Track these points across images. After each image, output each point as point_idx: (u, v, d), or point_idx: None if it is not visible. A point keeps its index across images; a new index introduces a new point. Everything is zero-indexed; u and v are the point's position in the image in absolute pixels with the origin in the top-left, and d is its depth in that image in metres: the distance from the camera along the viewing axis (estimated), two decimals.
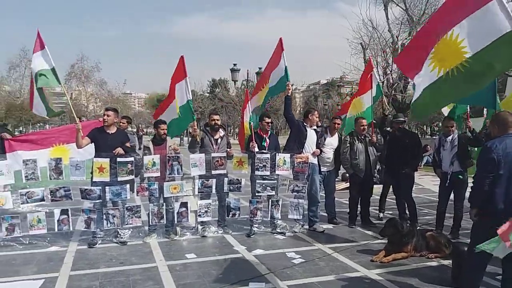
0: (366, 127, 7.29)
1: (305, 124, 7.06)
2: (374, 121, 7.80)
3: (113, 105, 21.62)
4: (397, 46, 14.09)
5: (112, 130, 6.32)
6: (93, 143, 6.22)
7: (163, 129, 6.53)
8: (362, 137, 7.26)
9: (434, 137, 29.42)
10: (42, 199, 6.06)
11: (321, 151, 7.11)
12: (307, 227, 6.95)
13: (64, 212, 6.14)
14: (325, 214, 7.60)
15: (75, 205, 6.59)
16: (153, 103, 64.97)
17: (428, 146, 14.71)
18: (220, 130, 6.93)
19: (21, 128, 49.09)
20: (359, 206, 7.45)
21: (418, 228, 6.46)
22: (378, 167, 7.76)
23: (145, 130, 46.19)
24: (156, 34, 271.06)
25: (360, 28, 19.06)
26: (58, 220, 6.09)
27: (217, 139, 6.83)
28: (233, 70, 23.46)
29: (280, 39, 6.89)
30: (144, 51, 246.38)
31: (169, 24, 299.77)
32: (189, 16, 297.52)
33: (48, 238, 6.11)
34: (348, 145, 7.22)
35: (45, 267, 5.16)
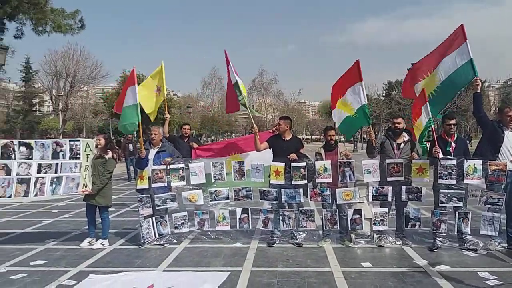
0: None
1: (501, 124, 6.07)
2: None
3: (288, 114, 22.86)
4: None
5: (288, 137, 6.64)
6: (271, 149, 6.64)
7: (330, 135, 6.52)
8: None
9: None
10: (227, 198, 6.71)
11: None
12: (505, 245, 5.92)
13: (244, 211, 6.69)
14: None
15: (255, 205, 7.06)
16: (326, 111, 66.02)
17: None
18: (405, 134, 6.52)
19: (212, 137, 56.16)
20: None
21: None
22: None
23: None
24: (332, 43, 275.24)
25: None
26: (239, 218, 6.68)
27: (400, 143, 6.44)
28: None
29: (461, 26, 6.06)
30: (318, 61, 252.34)
31: (344, 32, 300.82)
32: (365, 22, 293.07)
33: (232, 234, 6.73)
34: None
35: (230, 261, 5.67)
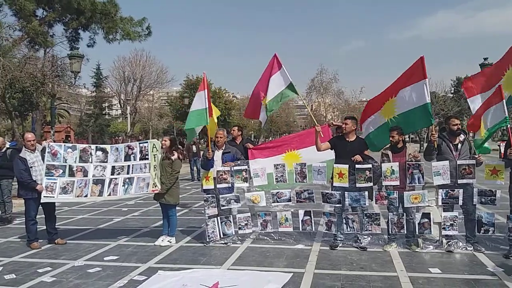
0: None
1: None
2: None
3: (349, 114, 22.49)
4: None
5: (352, 138, 6.50)
6: (333, 150, 6.53)
7: (392, 136, 6.28)
8: None
9: None
10: (289, 200, 6.75)
11: None
12: None
13: (307, 213, 6.69)
14: None
15: (317, 208, 7.04)
16: None
17: None
18: (461, 134, 6.21)
19: (270, 138, 56.44)
20: None
21: None
22: None
23: None
24: (399, 39, 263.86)
25: None
26: (302, 220, 6.69)
27: (457, 144, 6.15)
28: (483, 65, 20.38)
29: None
30: (382, 57, 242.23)
31: (413, 27, 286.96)
32: (434, 15, 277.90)
33: (294, 236, 6.75)
34: None
35: (293, 262, 5.68)
